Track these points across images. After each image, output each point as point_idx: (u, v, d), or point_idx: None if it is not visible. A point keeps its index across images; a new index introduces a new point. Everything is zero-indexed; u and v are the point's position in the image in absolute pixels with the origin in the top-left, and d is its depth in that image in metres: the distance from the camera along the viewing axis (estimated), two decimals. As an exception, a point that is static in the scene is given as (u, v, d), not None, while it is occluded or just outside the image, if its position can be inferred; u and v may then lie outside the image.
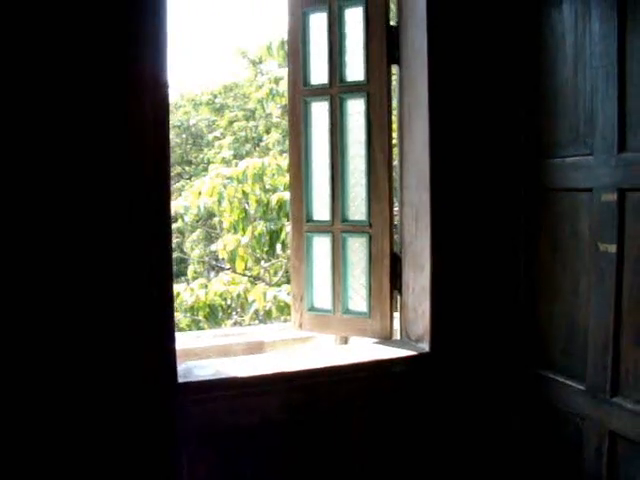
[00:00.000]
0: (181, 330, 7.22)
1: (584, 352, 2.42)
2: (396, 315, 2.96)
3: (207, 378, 2.46)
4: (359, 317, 2.96)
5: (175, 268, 12.29)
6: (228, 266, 8.03)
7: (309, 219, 3.06)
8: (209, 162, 11.52)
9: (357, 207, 2.95)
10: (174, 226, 9.28)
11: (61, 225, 2.13)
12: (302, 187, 3.05)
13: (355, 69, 2.89)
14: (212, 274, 10.45)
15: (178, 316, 7.14)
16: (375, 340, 2.94)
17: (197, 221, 9.97)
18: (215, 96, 13.07)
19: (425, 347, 2.76)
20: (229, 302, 7.35)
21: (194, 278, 9.28)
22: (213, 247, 8.36)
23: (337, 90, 2.94)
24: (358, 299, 2.98)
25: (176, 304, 7.14)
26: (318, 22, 2.97)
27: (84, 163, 2.15)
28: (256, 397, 2.48)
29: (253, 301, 6.97)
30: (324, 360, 2.68)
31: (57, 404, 2.15)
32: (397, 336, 2.98)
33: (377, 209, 2.88)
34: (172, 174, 13.81)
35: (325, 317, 3.05)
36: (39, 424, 2.13)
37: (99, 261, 2.19)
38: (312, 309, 3.08)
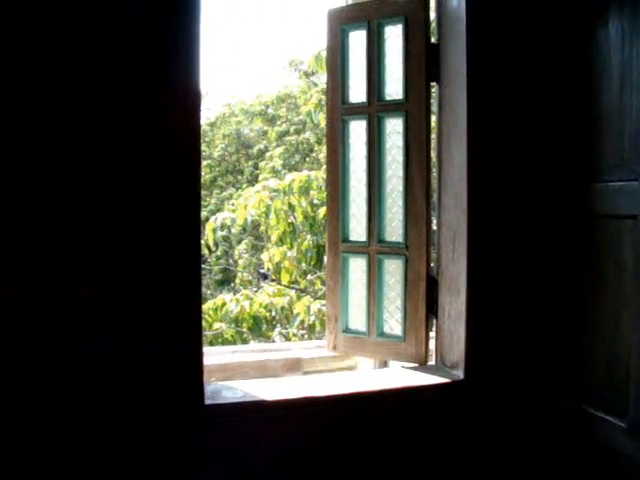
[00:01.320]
0: (227, 342, 7.26)
1: (626, 387, 2.31)
2: (432, 338, 2.90)
3: (235, 401, 2.43)
4: (394, 341, 2.91)
5: (221, 276, 12.56)
6: (273, 277, 8.01)
7: (345, 239, 3.02)
8: (259, 172, 11.58)
9: (394, 228, 2.90)
10: (220, 234, 9.37)
11: (85, 228, 2.14)
12: (338, 207, 3.02)
13: (394, 87, 2.85)
14: (261, 283, 10.51)
15: (223, 327, 7.17)
16: (410, 365, 2.87)
17: (244, 229, 10.04)
18: (267, 106, 13.15)
19: (459, 374, 2.69)
20: (274, 314, 7.37)
21: (242, 287, 9.32)
22: (260, 257, 8.34)
23: (375, 109, 2.90)
24: (393, 322, 2.93)
25: (221, 314, 7.19)
26: (357, 39, 2.95)
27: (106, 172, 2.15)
28: (284, 422, 2.45)
29: (297, 314, 6.94)
30: (354, 385, 2.63)
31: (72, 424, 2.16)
32: (433, 361, 2.91)
33: (414, 231, 2.83)
34: (223, 183, 14.00)
35: (359, 339, 3.00)
36: (54, 441, 2.14)
37: (121, 263, 2.18)
38: (346, 330, 3.04)
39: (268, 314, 7.17)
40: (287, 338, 7.94)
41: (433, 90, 2.84)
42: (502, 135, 2.67)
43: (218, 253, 12.24)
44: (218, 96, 15.07)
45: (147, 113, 2.18)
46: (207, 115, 14.47)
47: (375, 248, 2.94)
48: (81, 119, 2.12)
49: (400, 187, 2.85)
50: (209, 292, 12.88)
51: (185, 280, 2.26)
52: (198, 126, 2.24)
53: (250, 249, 11.25)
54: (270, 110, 13.20)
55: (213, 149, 14.30)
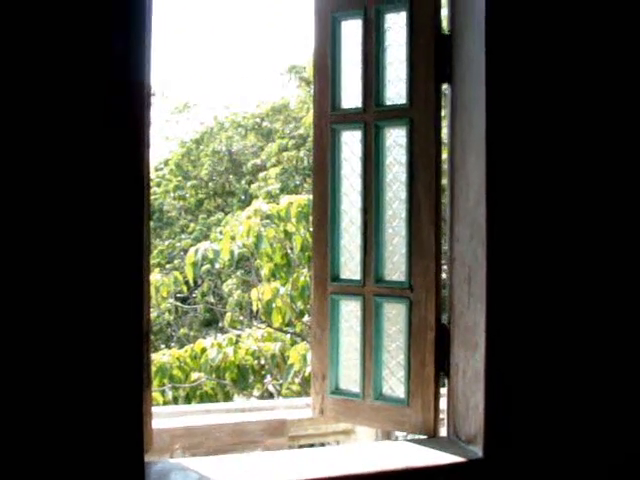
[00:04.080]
0: (207, 396, 7.08)
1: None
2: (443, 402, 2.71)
3: (187, 487, 2.19)
4: (395, 405, 2.72)
5: (207, 315, 12.44)
6: (263, 319, 7.84)
7: (335, 277, 2.86)
8: (253, 195, 11.53)
9: (395, 264, 2.76)
10: (204, 269, 9.25)
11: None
12: (327, 237, 2.86)
13: (395, 89, 2.73)
14: (256, 324, 10.42)
15: (202, 377, 6.98)
16: (415, 437, 2.71)
17: (237, 262, 9.94)
18: (262, 119, 13.12)
19: (478, 452, 2.48)
20: (263, 362, 7.20)
21: (233, 328, 9.19)
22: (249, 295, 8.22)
23: (373, 116, 2.76)
24: (394, 382, 2.75)
25: (200, 363, 7.01)
26: (351, 29, 2.81)
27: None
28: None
29: (292, 364, 6.74)
30: (340, 466, 2.40)
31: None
32: (444, 432, 2.71)
33: (420, 267, 2.67)
34: (211, 207, 13.97)
35: (352, 403, 2.82)
36: None
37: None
38: (336, 391, 2.86)
39: (256, 362, 6.98)
40: (279, 392, 7.75)
41: (444, 93, 2.72)
42: (530, 148, 2.51)
43: (204, 289, 12.16)
44: (205, 108, 15.10)
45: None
46: (193, 129, 14.51)
47: (372, 289, 2.77)
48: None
49: (403, 213, 2.73)
50: (192, 334, 12.79)
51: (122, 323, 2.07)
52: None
53: (241, 284, 11.15)
54: (266, 123, 13.14)
55: (200, 168, 14.30)
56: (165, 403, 6.79)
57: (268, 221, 7.03)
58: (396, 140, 2.74)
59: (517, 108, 2.49)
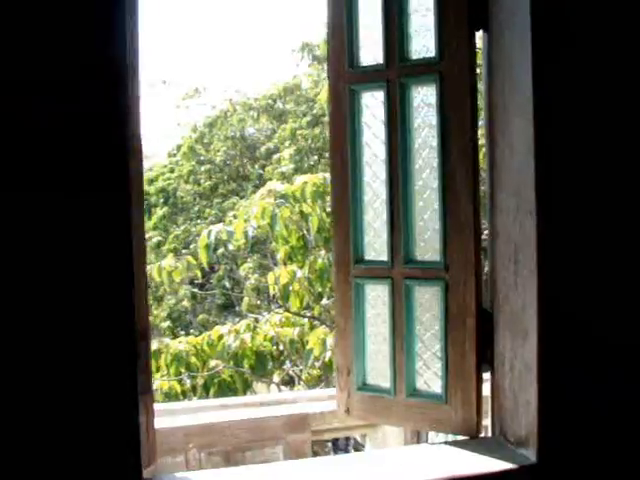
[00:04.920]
0: (226, 383, 6.85)
1: None
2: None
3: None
4: (431, 402, 2.47)
5: (223, 300, 12.35)
6: (280, 303, 7.60)
7: (359, 259, 2.59)
8: (267, 178, 11.33)
9: (427, 242, 2.51)
10: (220, 252, 9.00)
11: None
12: (348, 214, 2.59)
13: (423, 40, 2.48)
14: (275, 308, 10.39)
15: (220, 365, 6.76)
16: (455, 438, 2.46)
17: (252, 246, 9.80)
18: (274, 100, 12.87)
19: (530, 456, 2.19)
20: (282, 348, 6.97)
21: (249, 312, 9.03)
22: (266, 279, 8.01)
23: (397, 72, 2.47)
24: (429, 376, 2.51)
25: (217, 350, 6.81)
26: None
27: None
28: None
29: (311, 349, 6.48)
30: (362, 474, 2.15)
31: None
32: (488, 432, 2.49)
33: (457, 245, 2.40)
34: (225, 191, 13.81)
35: (382, 400, 2.56)
36: None
37: None
38: (363, 387, 2.60)
39: (274, 348, 6.72)
40: (299, 378, 7.52)
41: (480, 42, 2.50)
42: (589, 106, 2.22)
43: (220, 273, 12.03)
44: (216, 92, 14.92)
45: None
46: (205, 114, 14.29)
47: (401, 270, 2.51)
48: None
49: (435, 183, 2.47)
50: (211, 319, 12.73)
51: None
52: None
53: (258, 268, 11.01)
54: (278, 104, 12.90)
55: (214, 153, 14.15)
56: (183, 392, 6.63)
57: (282, 200, 6.72)
58: (424, 99, 2.49)
59: (570, 58, 2.19)
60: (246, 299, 9.73)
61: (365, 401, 2.58)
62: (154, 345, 6.65)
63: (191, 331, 11.95)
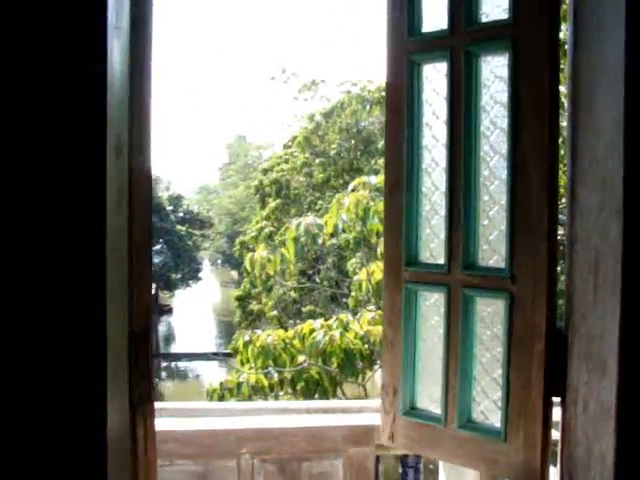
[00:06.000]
0: (313, 380, 6.67)
1: None
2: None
3: None
4: (487, 438, 2.11)
5: (330, 292, 12.31)
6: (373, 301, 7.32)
7: (411, 261, 2.28)
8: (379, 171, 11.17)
9: (492, 244, 2.18)
10: (329, 244, 8.96)
11: None
12: (401, 209, 2.28)
13: (494, 0, 2.12)
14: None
15: (307, 361, 6.55)
16: None
17: (359, 240, 9.69)
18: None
19: None
20: (373, 346, 6.69)
21: (358, 307, 8.87)
22: (357, 277, 7.77)
23: (463, 39, 2.13)
24: (487, 405, 2.17)
25: (307, 345, 6.62)
26: None
27: None
28: None
29: (404, 348, 6.15)
30: None
31: None
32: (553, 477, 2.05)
33: (526, 249, 2.05)
34: (337, 184, 13.74)
35: (430, 429, 2.23)
36: None
37: None
38: (411, 412, 2.28)
39: (364, 347, 6.43)
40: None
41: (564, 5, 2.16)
42: None
43: (328, 265, 11.99)
44: (332, 85, 14.83)
45: None
46: (321, 106, 14.24)
47: (460, 277, 2.18)
48: None
49: (504, 173, 2.13)
50: (318, 310, 12.71)
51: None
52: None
53: (365, 261, 10.89)
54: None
55: (328, 145, 14.10)
56: (270, 386, 6.50)
57: (377, 193, 6.41)
58: (495, 71, 2.13)
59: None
60: (353, 294, 9.58)
61: (411, 428, 2.25)
62: (246, 337, 6.53)
63: (297, 322, 11.99)
